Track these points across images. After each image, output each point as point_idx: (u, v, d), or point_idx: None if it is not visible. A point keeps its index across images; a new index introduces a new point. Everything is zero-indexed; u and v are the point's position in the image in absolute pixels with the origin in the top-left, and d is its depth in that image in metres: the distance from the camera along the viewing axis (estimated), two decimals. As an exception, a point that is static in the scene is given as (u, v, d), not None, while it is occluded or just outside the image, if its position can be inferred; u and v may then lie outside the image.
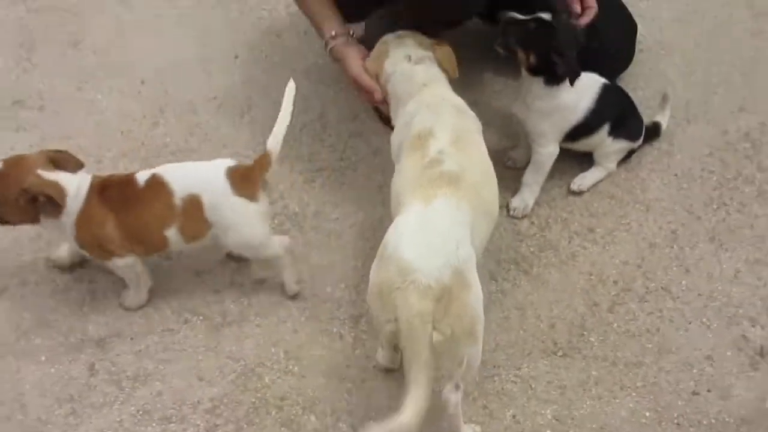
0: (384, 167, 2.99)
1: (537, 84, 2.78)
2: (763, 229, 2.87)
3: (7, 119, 3.33)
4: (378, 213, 2.94)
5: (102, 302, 2.72)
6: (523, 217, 2.91)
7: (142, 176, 2.52)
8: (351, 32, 2.88)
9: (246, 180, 2.48)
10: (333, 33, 2.85)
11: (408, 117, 2.54)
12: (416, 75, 2.63)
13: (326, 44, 2.88)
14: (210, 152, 3.19)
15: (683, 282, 2.74)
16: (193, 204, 2.47)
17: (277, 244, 2.63)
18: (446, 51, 2.70)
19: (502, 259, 2.81)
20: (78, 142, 3.22)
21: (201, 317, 2.68)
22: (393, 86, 2.67)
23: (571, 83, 2.72)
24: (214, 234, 2.53)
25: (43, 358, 2.59)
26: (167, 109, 3.39)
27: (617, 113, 2.93)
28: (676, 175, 3.05)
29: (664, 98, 3.15)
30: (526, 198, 2.91)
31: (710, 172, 3.06)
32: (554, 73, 2.73)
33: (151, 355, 2.59)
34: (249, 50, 3.65)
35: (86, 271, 2.80)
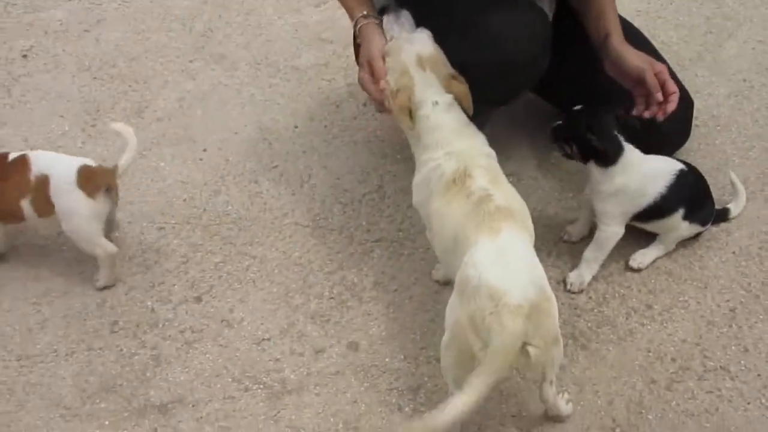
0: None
1: (594, 168, 2.84)
2: (821, 309, 2.86)
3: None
4: (436, 285, 2.97)
5: (165, 368, 2.76)
6: (580, 291, 2.93)
7: (13, 155, 2.94)
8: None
9: (90, 179, 2.84)
10: (364, 13, 2.88)
11: (436, 162, 2.61)
12: (445, 125, 2.66)
13: (356, 23, 2.89)
14: (271, 220, 3.25)
15: (742, 361, 2.73)
16: (43, 183, 2.85)
17: (104, 246, 2.93)
18: (464, 90, 2.69)
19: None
20: (140, 208, 3.31)
21: (261, 385, 2.71)
22: (420, 128, 2.67)
23: (612, 160, 2.78)
24: (58, 216, 2.88)
25: (107, 423, 2.63)
26: (228, 177, 3.47)
27: (692, 198, 2.96)
28: (734, 252, 3.06)
29: (734, 185, 3.19)
30: (583, 274, 2.93)
31: (768, 251, 3.06)
32: (598, 154, 2.80)
33: (212, 423, 2.62)
34: (308, 120, 3.74)
35: (150, 337, 2.85)
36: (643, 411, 2.62)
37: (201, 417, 2.64)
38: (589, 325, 2.85)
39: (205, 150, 3.60)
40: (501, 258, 2.27)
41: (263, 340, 2.85)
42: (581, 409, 2.63)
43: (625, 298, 2.93)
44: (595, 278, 2.97)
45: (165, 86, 4.00)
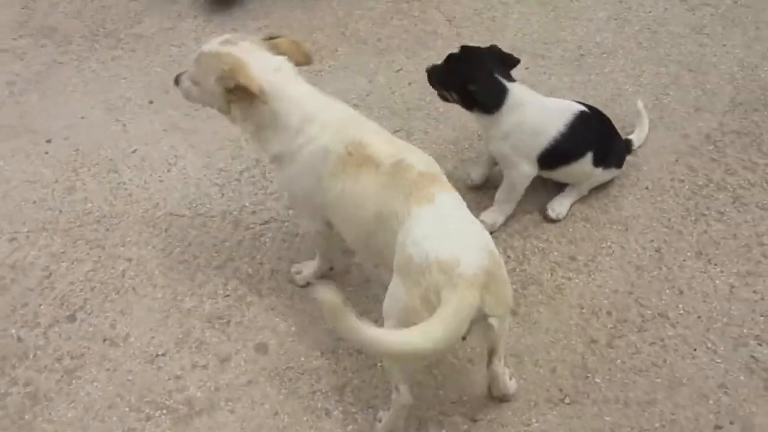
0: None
1: (478, 115, 2.65)
2: (746, 238, 2.73)
3: None
4: (346, 261, 2.67)
5: (46, 407, 2.38)
6: (491, 232, 2.67)
7: None
8: None
9: None
10: None
11: (313, 141, 2.29)
12: (302, 95, 2.34)
13: None
14: (141, 214, 2.87)
15: (679, 305, 2.56)
16: None
17: None
18: (288, 42, 2.39)
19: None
20: (-15, 220, 2.85)
21: (165, 410, 2.36)
22: (275, 108, 2.30)
23: (496, 107, 2.59)
24: None
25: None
26: (82, 169, 3.05)
27: (599, 140, 2.75)
28: (647, 188, 2.89)
29: (640, 115, 3.02)
30: (496, 216, 2.74)
31: (680, 181, 2.91)
32: (479, 103, 2.60)
33: (115, 465, 2.25)
34: (163, 94, 3.33)
35: (20, 372, 2.45)
36: (589, 375, 2.41)
37: (101, 460, 2.27)
38: (514, 287, 2.60)
39: (49, 141, 3.16)
40: (443, 227, 2.07)
41: (157, 356, 2.48)
42: (524, 382, 2.40)
43: (545, 253, 2.72)
44: (510, 234, 2.74)
45: (-9, 70, 3.49)
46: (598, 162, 2.73)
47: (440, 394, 2.37)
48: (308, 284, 2.65)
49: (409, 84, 3.34)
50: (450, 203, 2.13)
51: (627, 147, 2.94)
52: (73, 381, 2.43)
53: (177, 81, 2.47)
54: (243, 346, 2.49)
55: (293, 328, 2.53)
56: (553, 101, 2.74)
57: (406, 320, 1.98)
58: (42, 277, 2.70)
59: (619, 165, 2.84)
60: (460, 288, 1.93)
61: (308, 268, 2.65)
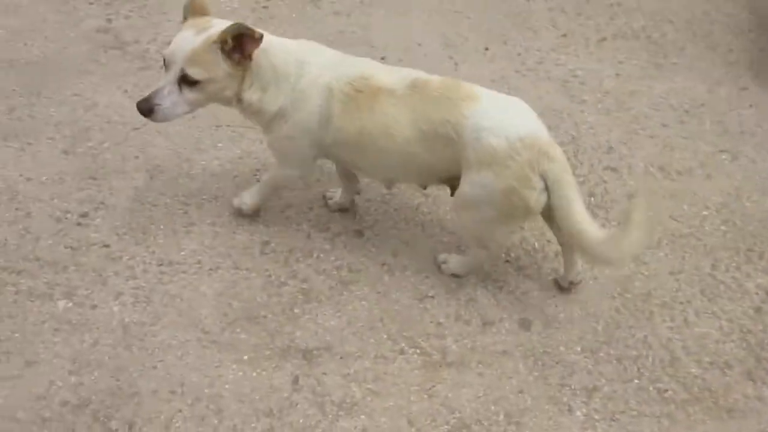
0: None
1: None
2: None
3: None
4: (626, 268, 2.61)
5: (315, 307, 2.49)
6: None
7: None
8: None
9: None
10: None
11: (312, 86, 2.36)
12: (284, 41, 2.43)
13: None
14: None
15: None
16: None
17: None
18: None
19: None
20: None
21: (418, 350, 2.42)
22: (270, 60, 2.35)
23: None
24: None
25: (246, 358, 2.38)
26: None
27: None
28: None
29: None
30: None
31: None
32: None
33: (360, 382, 2.34)
34: (502, 44, 3.33)
35: (302, 267, 2.57)
36: None
37: (348, 374, 2.36)
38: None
39: (383, 58, 3.23)
40: (506, 112, 2.29)
41: (426, 297, 2.54)
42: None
43: None
44: None
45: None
46: None
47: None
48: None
49: (750, 106, 3.16)
50: (488, 92, 2.32)
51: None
52: (345, 292, 2.53)
53: (151, 109, 2.30)
54: (508, 316, 2.50)
55: (562, 315, 2.51)
56: None
57: (505, 200, 2.25)
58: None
59: None
60: (551, 151, 2.23)
61: (251, 196, 2.65)
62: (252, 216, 2.69)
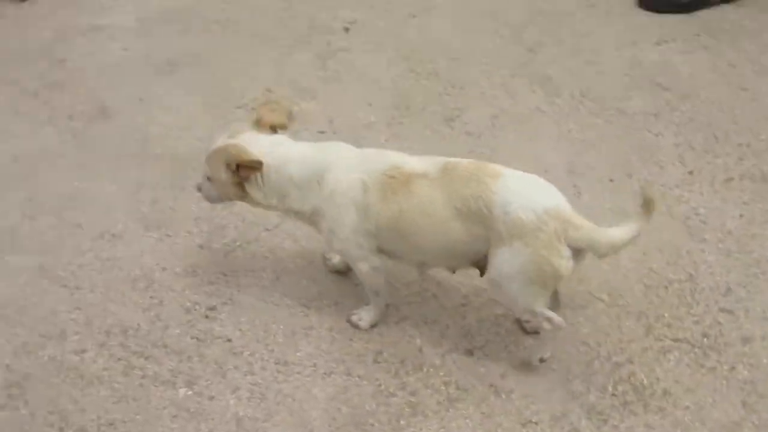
0: (755, 361, 2.68)
1: None
2: None
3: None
4: (738, 414, 2.58)
5: (420, 421, 2.56)
6: None
7: None
8: None
9: None
10: None
11: (343, 182, 2.57)
12: (306, 150, 2.66)
13: None
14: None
15: None
16: None
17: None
18: (268, 110, 2.71)
19: None
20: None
21: (518, 475, 2.44)
22: (291, 172, 2.61)
23: None
24: None
25: (352, 463, 2.46)
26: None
27: None
28: None
29: None
30: None
31: None
32: None
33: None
34: (625, 176, 3.39)
35: (412, 380, 2.66)
36: None
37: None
38: None
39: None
40: (529, 186, 2.48)
41: (530, 422, 2.57)
42: None
43: None
44: None
45: (481, 98, 3.78)
46: None
47: None
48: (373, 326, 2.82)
49: None
50: (510, 170, 2.50)
51: None
52: (451, 409, 2.59)
53: (199, 188, 2.76)
54: (609, 451, 2.51)
55: (663, 459, 2.51)
56: None
57: (537, 269, 2.40)
58: (458, 303, 2.90)
59: None
60: (574, 221, 2.40)
61: (368, 312, 2.81)
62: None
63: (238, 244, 3.11)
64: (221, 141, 2.64)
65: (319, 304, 2.89)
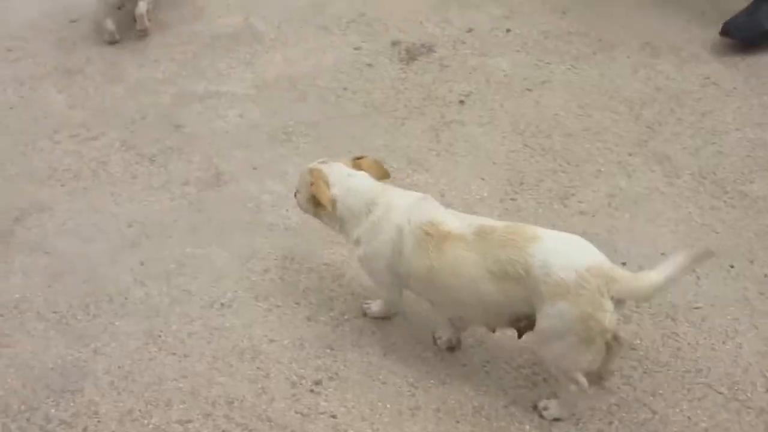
0: None
1: None
2: None
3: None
4: None
5: None
6: None
7: None
8: None
9: None
10: None
11: (384, 223, 2.76)
12: (369, 186, 2.86)
13: None
14: (681, 372, 2.83)
15: None
16: None
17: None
18: (371, 162, 2.97)
19: None
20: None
21: None
22: (348, 201, 2.85)
23: None
24: None
25: None
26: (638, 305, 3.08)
27: None
28: None
29: None
30: None
31: None
32: None
33: None
34: (748, 263, 3.25)
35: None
36: None
37: None
38: None
39: (624, 263, 3.23)
40: (567, 246, 2.52)
41: None
42: None
43: None
44: None
45: (597, 176, 3.69)
46: None
47: None
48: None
49: None
50: (550, 232, 2.56)
51: None
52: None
53: (295, 194, 3.07)
54: None
55: None
56: None
57: (582, 325, 2.43)
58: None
59: None
60: (615, 275, 2.44)
61: (378, 305, 3.07)
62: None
63: (345, 317, 3.08)
64: (315, 164, 2.93)
65: (426, 384, 2.83)
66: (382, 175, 2.96)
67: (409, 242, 2.69)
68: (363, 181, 2.87)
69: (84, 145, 4.12)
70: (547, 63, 4.44)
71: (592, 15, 4.77)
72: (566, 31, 4.67)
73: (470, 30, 4.72)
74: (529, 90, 4.27)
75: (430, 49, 4.58)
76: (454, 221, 2.67)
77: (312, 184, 2.86)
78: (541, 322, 2.50)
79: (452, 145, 3.91)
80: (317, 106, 4.23)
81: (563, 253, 2.48)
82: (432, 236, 2.64)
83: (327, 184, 2.84)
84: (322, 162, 2.93)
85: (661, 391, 2.80)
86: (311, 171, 2.90)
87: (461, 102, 4.19)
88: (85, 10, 5.02)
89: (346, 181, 2.85)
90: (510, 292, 2.53)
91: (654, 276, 2.44)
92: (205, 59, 4.66)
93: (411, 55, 4.55)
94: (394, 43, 4.64)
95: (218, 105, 4.32)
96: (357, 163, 2.94)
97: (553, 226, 3.16)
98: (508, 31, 4.70)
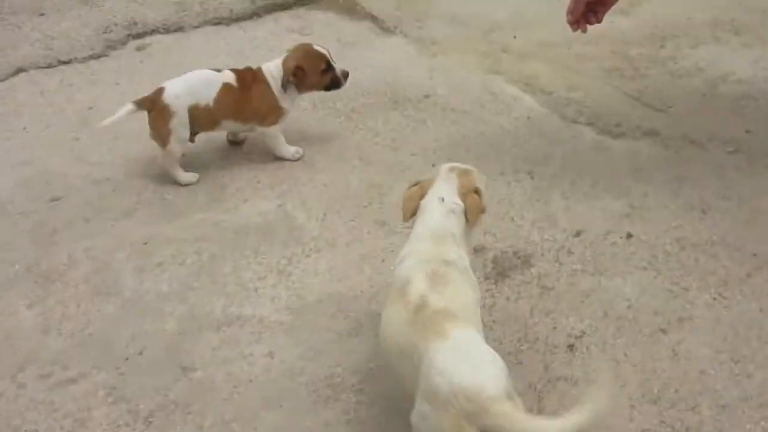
0: None
1: None
2: None
3: None
4: None
5: None
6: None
7: None
8: None
9: None
10: None
11: (405, 260, 2.69)
12: (431, 221, 2.74)
13: None
14: None
15: None
16: None
17: None
18: (476, 203, 2.77)
19: None
20: None
21: None
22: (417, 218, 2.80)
23: None
24: None
25: None
26: None
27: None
28: None
29: None
30: None
31: None
32: None
33: None
34: None
35: None
36: None
37: None
38: None
39: None
40: (465, 359, 2.30)
41: None
42: None
43: None
44: None
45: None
46: None
47: None
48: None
49: None
50: (465, 336, 2.38)
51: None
52: None
53: None
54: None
55: None
56: None
57: None
58: None
59: None
60: (494, 408, 2.16)
61: None
62: None
63: None
64: (444, 168, 2.88)
65: None
66: (469, 217, 2.81)
67: (396, 288, 2.63)
68: (434, 214, 2.77)
69: (57, 391, 3.03)
70: (685, 289, 3.31)
71: (744, 219, 3.65)
72: (708, 239, 3.54)
73: (578, 233, 3.60)
74: (662, 331, 3.14)
75: (526, 261, 3.47)
76: (419, 285, 2.54)
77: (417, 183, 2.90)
78: (413, 411, 2.37)
79: (558, 411, 2.73)
80: (374, 348, 3.09)
81: (453, 362, 2.29)
82: (398, 289, 2.59)
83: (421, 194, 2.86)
84: (452, 168, 2.88)
85: None
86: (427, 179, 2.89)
87: (570, 347, 3.07)
88: (72, 182, 3.99)
89: (432, 203, 2.79)
90: (408, 372, 2.43)
91: (550, 425, 2.18)
92: (227, 264, 3.56)
93: (500, 269, 3.45)
94: (477, 250, 3.51)
95: (240, 336, 3.22)
96: (466, 195, 2.81)
97: None
98: (629, 236, 3.58)
